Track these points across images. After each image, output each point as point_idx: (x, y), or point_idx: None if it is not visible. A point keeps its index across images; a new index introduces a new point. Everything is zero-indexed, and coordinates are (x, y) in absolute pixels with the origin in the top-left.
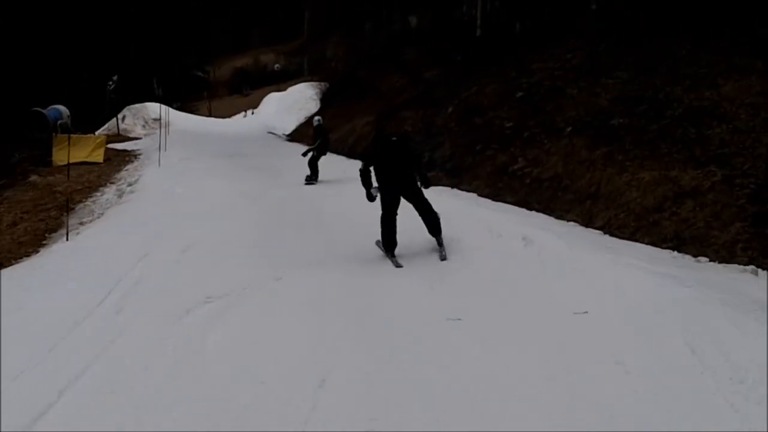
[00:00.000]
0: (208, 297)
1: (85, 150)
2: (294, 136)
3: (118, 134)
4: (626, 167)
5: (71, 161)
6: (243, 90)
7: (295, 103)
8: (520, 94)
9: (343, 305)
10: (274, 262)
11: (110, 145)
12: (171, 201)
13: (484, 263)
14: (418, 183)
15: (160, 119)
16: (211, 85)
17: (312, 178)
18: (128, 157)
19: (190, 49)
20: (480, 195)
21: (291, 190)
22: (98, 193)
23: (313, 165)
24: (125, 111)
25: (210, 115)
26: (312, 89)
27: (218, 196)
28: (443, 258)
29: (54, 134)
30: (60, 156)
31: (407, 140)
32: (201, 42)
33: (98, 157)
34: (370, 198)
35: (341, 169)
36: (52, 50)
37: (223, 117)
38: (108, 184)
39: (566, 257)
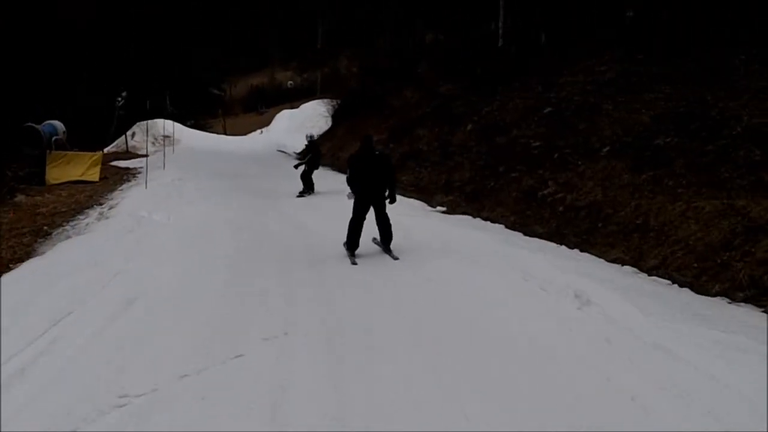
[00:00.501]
0: (122, 396)
1: (80, 168)
2: (302, 154)
3: (127, 151)
4: (679, 195)
5: (65, 179)
6: (258, 108)
7: (307, 120)
8: (547, 110)
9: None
10: (238, 326)
11: (114, 163)
12: (142, 230)
13: (527, 338)
14: (386, 196)
15: (165, 136)
16: (226, 102)
17: (305, 191)
18: (127, 175)
19: (205, 66)
20: (506, 226)
21: (285, 217)
22: (82, 216)
23: (306, 179)
24: (135, 127)
25: (225, 133)
26: (323, 106)
27: (199, 225)
28: (395, 258)
29: (48, 151)
30: (54, 174)
31: (387, 157)
32: (217, 59)
33: (94, 175)
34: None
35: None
36: (55, 60)
37: (238, 135)
38: (95, 206)
39: (646, 334)
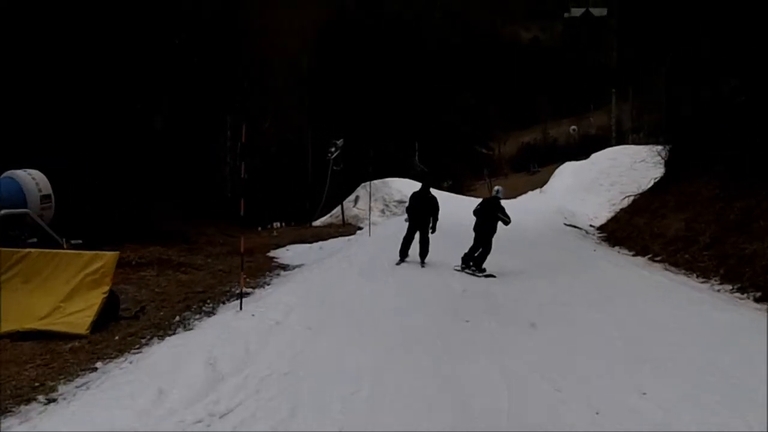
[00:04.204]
0: None
1: (51, 296)
2: (609, 232)
3: (344, 223)
4: None
5: (7, 329)
6: (530, 167)
7: (602, 175)
8: None
9: None
10: None
11: (280, 252)
12: None
13: None
14: (429, 226)
15: (399, 201)
16: (495, 162)
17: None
18: (221, 297)
19: (470, 121)
20: None
21: None
22: None
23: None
24: (360, 189)
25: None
26: (634, 152)
27: None
28: (423, 266)
29: None
30: None
31: (436, 199)
32: (485, 113)
33: (79, 318)
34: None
35: None
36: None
37: (506, 198)
38: None
39: None
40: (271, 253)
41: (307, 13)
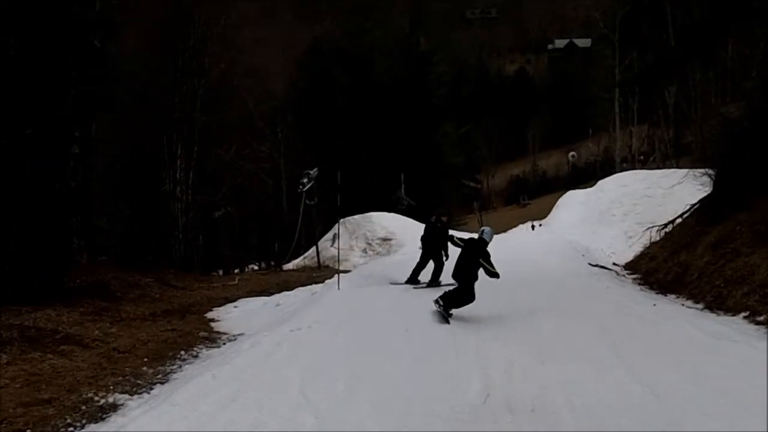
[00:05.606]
0: None
1: None
2: (644, 273)
3: (320, 266)
4: None
5: None
6: (520, 199)
7: (615, 204)
8: None
9: None
10: None
11: (215, 311)
12: None
13: None
14: (443, 253)
15: (384, 239)
16: (483, 195)
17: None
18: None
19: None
20: None
21: None
22: None
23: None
24: (339, 226)
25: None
26: (646, 177)
27: None
28: (424, 287)
29: None
30: None
31: (445, 228)
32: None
33: None
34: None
35: None
36: None
37: (497, 233)
38: None
39: None
40: (212, 313)
41: (285, 39)
